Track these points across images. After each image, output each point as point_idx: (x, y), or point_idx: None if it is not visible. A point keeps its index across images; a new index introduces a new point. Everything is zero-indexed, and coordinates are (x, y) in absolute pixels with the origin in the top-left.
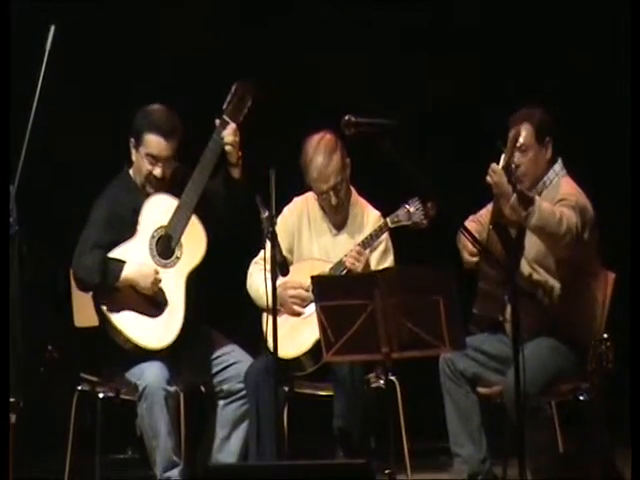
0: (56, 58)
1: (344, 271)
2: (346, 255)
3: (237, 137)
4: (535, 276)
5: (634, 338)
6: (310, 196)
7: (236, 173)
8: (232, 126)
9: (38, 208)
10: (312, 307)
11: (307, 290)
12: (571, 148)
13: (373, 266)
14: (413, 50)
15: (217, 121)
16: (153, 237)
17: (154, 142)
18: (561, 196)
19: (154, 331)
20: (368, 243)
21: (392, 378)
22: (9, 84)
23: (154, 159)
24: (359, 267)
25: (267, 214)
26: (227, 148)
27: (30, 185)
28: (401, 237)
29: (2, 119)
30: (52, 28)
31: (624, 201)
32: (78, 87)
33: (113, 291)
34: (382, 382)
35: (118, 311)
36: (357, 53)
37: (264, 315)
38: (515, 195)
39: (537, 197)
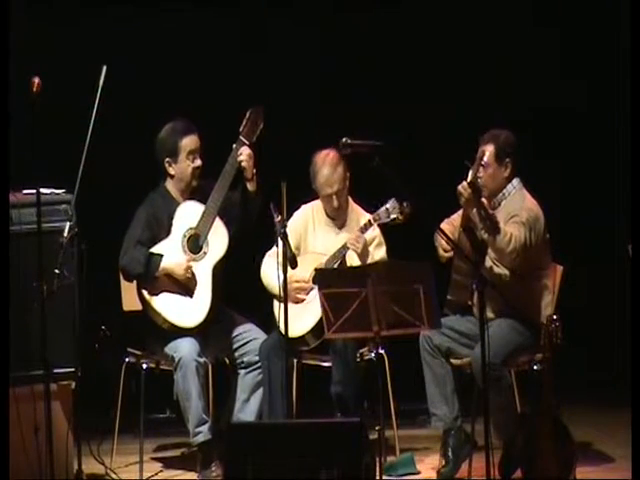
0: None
1: (338, 262)
2: (347, 241)
3: (250, 157)
4: (495, 269)
5: (635, 338)
6: (315, 203)
7: (251, 187)
8: (246, 148)
9: (91, 214)
10: (312, 295)
11: (307, 282)
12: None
13: (369, 255)
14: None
15: (234, 145)
16: (184, 236)
17: (190, 141)
18: (514, 212)
19: (187, 313)
20: (364, 230)
21: (381, 352)
22: (7, 87)
23: (194, 154)
24: (359, 248)
25: (279, 218)
26: (242, 165)
27: (85, 196)
28: (390, 235)
29: (2, 122)
30: (104, 68)
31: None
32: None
33: (153, 280)
34: (373, 355)
35: (158, 297)
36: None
37: (275, 301)
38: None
39: (494, 214)
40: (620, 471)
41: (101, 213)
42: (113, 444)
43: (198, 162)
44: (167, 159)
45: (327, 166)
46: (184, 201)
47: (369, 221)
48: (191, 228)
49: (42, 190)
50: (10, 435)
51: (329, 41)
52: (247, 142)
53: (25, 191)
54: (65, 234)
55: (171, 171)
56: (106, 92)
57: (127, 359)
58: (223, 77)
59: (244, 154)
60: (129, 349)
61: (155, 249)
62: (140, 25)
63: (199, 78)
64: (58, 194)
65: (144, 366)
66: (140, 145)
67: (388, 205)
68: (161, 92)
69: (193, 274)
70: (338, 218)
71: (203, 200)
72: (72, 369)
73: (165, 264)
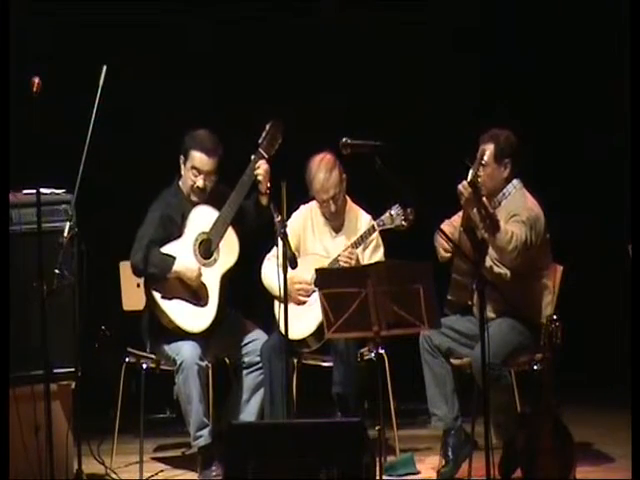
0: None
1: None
2: (339, 255)
3: (267, 172)
4: (496, 269)
5: (635, 338)
6: (314, 205)
7: (264, 201)
8: (264, 162)
9: (91, 214)
10: (313, 297)
11: (309, 283)
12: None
13: (366, 258)
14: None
15: (253, 156)
16: (196, 240)
17: (198, 158)
18: (515, 211)
19: (192, 318)
20: (358, 243)
21: (381, 352)
22: (7, 87)
23: (198, 172)
24: (351, 264)
25: (280, 218)
26: (259, 179)
27: (85, 196)
28: (390, 236)
29: (2, 122)
30: (104, 68)
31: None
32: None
33: (163, 280)
34: (373, 355)
35: (166, 297)
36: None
37: (275, 302)
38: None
39: (495, 213)
40: (620, 471)
41: (101, 213)
42: (113, 444)
43: (200, 182)
44: (182, 156)
45: (322, 171)
46: (197, 204)
47: (373, 227)
48: (204, 233)
49: (42, 190)
50: (10, 435)
51: (329, 41)
52: (266, 156)
53: (25, 191)
54: (65, 234)
55: (182, 170)
56: (106, 92)
57: (127, 359)
58: (223, 77)
59: (262, 169)
60: (129, 349)
61: (166, 249)
62: (140, 25)
63: (198, 78)
64: (58, 194)
65: (144, 366)
66: (140, 145)
67: (392, 211)
68: (161, 92)
69: (202, 281)
70: (336, 220)
71: (217, 205)
72: (72, 369)
73: (178, 267)
